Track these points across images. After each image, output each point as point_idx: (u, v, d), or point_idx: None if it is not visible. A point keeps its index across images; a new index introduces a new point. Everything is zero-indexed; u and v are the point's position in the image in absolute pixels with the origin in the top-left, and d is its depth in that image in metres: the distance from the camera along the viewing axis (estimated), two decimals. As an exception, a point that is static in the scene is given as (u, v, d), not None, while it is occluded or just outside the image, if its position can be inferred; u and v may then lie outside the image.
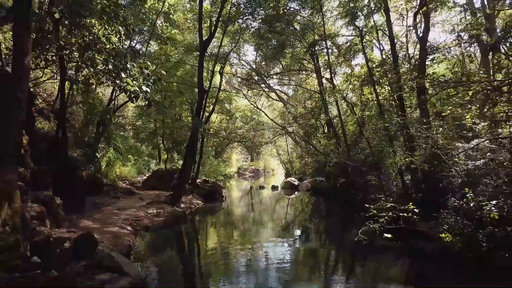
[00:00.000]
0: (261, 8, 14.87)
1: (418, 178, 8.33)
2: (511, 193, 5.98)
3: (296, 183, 24.00)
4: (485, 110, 5.08)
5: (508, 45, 9.84)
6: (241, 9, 14.52)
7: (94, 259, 4.84)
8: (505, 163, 6.10)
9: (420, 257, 6.80)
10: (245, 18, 15.37)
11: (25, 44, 4.67)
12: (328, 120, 17.29)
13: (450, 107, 5.51)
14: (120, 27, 6.83)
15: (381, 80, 10.02)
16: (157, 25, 14.27)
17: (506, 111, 4.92)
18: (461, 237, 6.05)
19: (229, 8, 14.34)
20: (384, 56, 11.98)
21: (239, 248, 8.24)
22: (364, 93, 11.60)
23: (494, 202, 5.81)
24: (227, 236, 9.98)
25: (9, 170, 4.12)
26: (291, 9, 16.44)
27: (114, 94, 15.70)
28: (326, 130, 19.50)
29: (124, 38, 7.08)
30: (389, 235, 5.72)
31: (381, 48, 11.58)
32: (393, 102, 9.16)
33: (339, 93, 12.69)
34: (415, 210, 6.09)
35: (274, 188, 24.10)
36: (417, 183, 8.43)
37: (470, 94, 5.02)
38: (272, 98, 28.78)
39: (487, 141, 6.68)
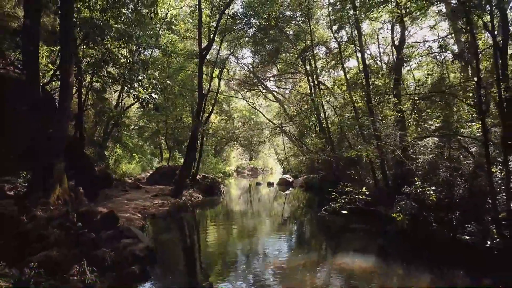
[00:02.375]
0: (255, 19, 16.32)
1: (385, 171, 9.78)
2: (447, 181, 7.44)
3: (290, 180, 25.36)
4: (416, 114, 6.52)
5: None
6: (237, 20, 15.95)
7: (118, 230, 6.32)
8: (445, 157, 7.55)
9: (380, 235, 8.28)
10: (240, 28, 16.79)
11: (69, 71, 6.17)
12: (317, 120, 18.73)
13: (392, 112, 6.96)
14: (132, 45, 8.30)
15: (355, 86, 11.47)
16: (160, 34, 15.71)
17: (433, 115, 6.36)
18: (409, 216, 7.50)
19: (226, 19, 15.78)
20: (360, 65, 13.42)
21: (232, 229, 9.75)
22: (345, 96, 13.05)
23: (433, 188, 7.25)
24: (223, 221, 11.50)
25: (59, 162, 5.58)
26: (283, 18, 17.87)
27: (120, 97, 17.18)
28: (318, 130, 20.95)
29: (136, 53, 8.54)
30: (345, 212, 7.18)
31: (357, 57, 12.97)
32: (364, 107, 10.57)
33: (323, 97, 14.13)
34: (366, 192, 7.56)
35: (270, 184, 25.47)
36: (385, 174, 9.88)
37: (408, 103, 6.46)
38: (269, 99, 30.17)
39: (436, 139, 8.15)
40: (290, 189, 22.89)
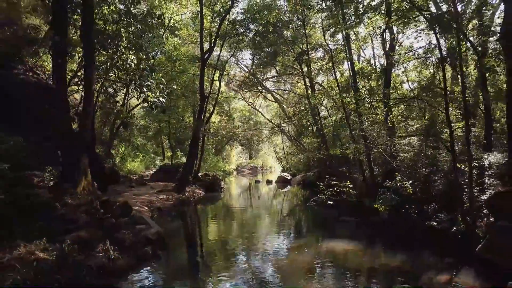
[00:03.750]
0: (254, 24, 17.24)
1: (371, 167, 10.71)
2: (425, 176, 8.37)
3: (289, 177, 26.30)
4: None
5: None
6: (237, 25, 16.86)
7: (132, 218, 7.27)
8: (421, 155, 8.48)
9: (365, 225, 9.22)
10: (240, 32, 17.69)
11: (91, 81, 7.11)
12: (314, 121, 19.65)
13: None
14: (142, 54, 9.24)
15: (346, 90, 12.41)
16: (164, 39, 16.63)
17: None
18: (390, 207, 8.44)
19: (226, 24, 16.68)
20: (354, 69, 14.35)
21: (232, 221, 10.71)
22: (337, 101, 13.98)
23: (410, 182, 8.18)
24: (223, 215, 12.45)
25: (84, 158, 6.51)
26: (281, 23, 18.77)
27: (126, 98, 18.09)
28: (314, 130, 21.87)
29: (145, 61, 9.48)
30: (331, 203, 8.12)
31: (349, 64, 13.86)
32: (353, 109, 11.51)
33: (317, 99, 15.06)
34: (350, 185, 8.50)
35: (268, 182, 26.42)
36: (372, 170, 10.81)
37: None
38: (268, 99, 31.07)
39: (416, 138, 9.08)
40: (288, 186, 23.80)
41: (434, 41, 9.27)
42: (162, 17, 8.84)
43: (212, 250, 7.73)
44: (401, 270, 5.98)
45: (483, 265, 5.71)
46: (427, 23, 10.46)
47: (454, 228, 7.01)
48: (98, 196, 7.12)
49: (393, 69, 13.34)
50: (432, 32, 10.78)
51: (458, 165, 7.42)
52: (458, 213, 7.49)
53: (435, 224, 7.40)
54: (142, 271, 5.97)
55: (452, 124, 7.11)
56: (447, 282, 5.25)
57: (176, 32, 16.94)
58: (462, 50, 8.96)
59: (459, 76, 12.39)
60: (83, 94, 7.19)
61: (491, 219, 6.50)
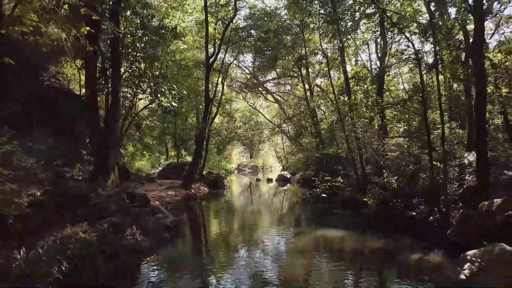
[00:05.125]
0: (255, 31, 18.32)
1: (363, 165, 11.77)
2: (411, 173, 9.43)
3: (288, 176, 27.30)
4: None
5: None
6: (239, 32, 17.93)
7: (151, 208, 8.36)
8: (406, 154, 9.55)
9: (356, 216, 10.30)
10: (242, 38, 18.77)
11: (118, 90, 8.20)
12: (312, 122, 20.72)
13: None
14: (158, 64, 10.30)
15: (341, 94, 13.49)
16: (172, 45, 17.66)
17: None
18: (378, 201, 9.50)
19: (229, 31, 17.74)
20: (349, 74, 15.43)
21: (236, 214, 11.79)
22: (330, 107, 15.09)
23: (395, 178, 9.25)
24: (227, 209, 13.54)
25: (113, 155, 7.59)
26: (281, 29, 19.82)
27: (135, 99, 19.14)
28: (313, 130, 22.93)
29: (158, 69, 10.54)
30: (325, 195, 9.19)
31: (344, 71, 14.93)
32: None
33: (315, 102, 16.16)
34: (341, 180, 9.57)
35: (269, 180, 27.44)
36: (363, 168, 11.88)
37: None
38: (269, 100, 32.11)
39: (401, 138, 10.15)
40: (288, 185, 24.81)
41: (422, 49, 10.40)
42: (175, 31, 9.92)
43: (219, 237, 8.81)
44: (382, 251, 7.07)
45: (451, 246, 6.75)
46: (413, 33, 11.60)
47: (431, 217, 8.07)
48: (124, 189, 8.22)
49: (388, 72, 14.40)
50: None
51: (438, 164, 8.46)
52: (436, 205, 8.55)
53: (415, 214, 8.46)
54: (162, 251, 7.05)
55: (430, 130, 8.16)
56: (419, 259, 6.31)
57: (183, 38, 17.98)
58: (445, 58, 10.06)
59: (450, 82, 13.51)
60: (110, 102, 8.28)
61: (461, 210, 7.56)
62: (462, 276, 4.89)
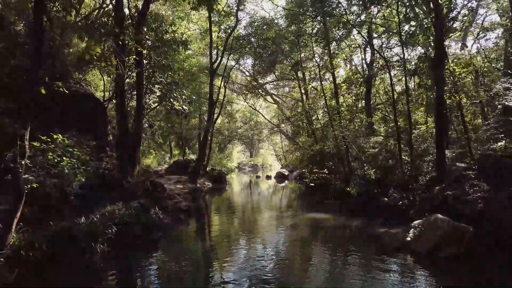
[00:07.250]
0: (254, 38, 20.01)
1: (349, 161, 13.47)
2: (389, 166, 11.11)
3: (286, 173, 28.97)
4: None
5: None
6: (240, 40, 19.61)
7: (168, 194, 10.05)
8: (383, 150, 11.24)
9: (343, 205, 12.01)
10: (243, 45, 20.45)
11: (141, 96, 9.89)
12: (308, 122, 22.40)
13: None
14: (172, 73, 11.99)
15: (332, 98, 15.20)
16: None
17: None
18: (361, 191, 11.17)
19: (231, 39, 19.40)
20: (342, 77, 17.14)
21: (238, 204, 13.49)
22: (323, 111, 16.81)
23: (373, 170, 10.93)
24: (229, 200, 15.27)
25: (138, 150, 9.26)
26: (278, 36, 21.50)
27: (149, 103, 20.83)
28: (309, 130, 24.62)
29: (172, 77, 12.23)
30: (312, 184, 10.89)
31: (334, 76, 16.64)
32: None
33: (309, 105, 17.89)
34: (326, 172, 11.27)
35: (268, 177, 29.12)
36: (349, 163, 13.58)
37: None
38: (268, 101, 33.74)
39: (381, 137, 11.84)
40: (286, 181, 26.46)
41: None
42: (186, 44, 11.57)
43: (226, 220, 10.51)
44: (357, 228, 8.78)
45: (411, 221, 8.44)
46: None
47: (401, 202, 9.75)
48: (147, 177, 9.93)
49: (375, 78, 16.08)
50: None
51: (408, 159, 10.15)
52: (405, 192, 10.23)
53: (388, 200, 10.15)
54: (179, 229, 8.75)
55: (400, 130, 9.86)
56: (384, 232, 8.00)
57: (188, 45, 19.67)
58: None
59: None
60: (135, 107, 10.09)
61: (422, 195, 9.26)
62: (408, 238, 6.58)
